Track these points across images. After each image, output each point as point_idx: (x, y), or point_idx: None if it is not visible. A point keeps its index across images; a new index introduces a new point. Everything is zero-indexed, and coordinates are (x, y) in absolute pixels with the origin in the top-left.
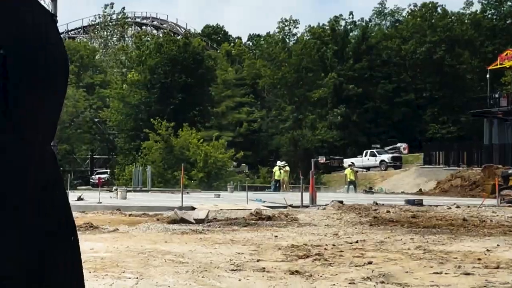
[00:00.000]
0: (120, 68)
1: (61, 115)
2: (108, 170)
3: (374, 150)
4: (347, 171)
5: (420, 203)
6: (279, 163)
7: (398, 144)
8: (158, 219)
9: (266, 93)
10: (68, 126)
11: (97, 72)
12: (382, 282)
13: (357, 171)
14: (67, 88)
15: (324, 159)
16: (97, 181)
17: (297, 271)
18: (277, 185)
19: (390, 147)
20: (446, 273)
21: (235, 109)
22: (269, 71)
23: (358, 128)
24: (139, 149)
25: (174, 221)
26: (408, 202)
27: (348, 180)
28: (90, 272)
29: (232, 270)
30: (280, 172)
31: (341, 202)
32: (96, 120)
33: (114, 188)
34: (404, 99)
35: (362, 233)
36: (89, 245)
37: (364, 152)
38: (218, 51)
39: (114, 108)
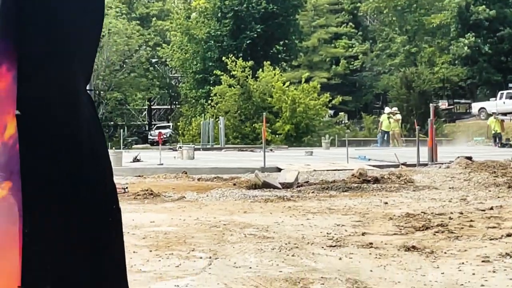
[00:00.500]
0: None
1: (110, 55)
2: (171, 124)
3: None
4: (491, 120)
5: None
6: (387, 110)
7: None
8: (235, 184)
9: (369, 21)
10: (119, 69)
11: (153, 0)
12: None
13: (503, 120)
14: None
15: (446, 103)
16: (156, 137)
17: (414, 247)
18: (385, 138)
19: None
20: None
21: (330, 43)
22: None
23: (490, 63)
24: (209, 97)
25: (255, 186)
26: None
27: (493, 132)
28: (151, 251)
29: (330, 246)
30: (389, 122)
31: (469, 158)
32: (154, 60)
33: (179, 146)
34: None
35: (498, 197)
36: (149, 217)
37: (499, 93)
38: None
39: (176, 44)
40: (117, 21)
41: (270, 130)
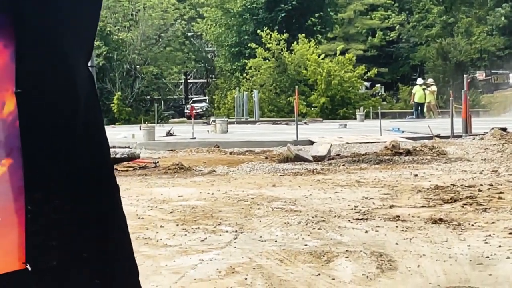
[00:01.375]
0: None
1: (146, 30)
2: (207, 98)
3: None
4: None
5: None
6: (419, 81)
7: None
8: (266, 158)
9: None
10: (155, 43)
11: None
12: None
13: None
14: None
15: (484, 74)
16: (190, 111)
17: (441, 220)
18: (419, 109)
19: None
20: None
21: (366, 14)
22: None
23: None
24: (244, 70)
25: (286, 159)
26: None
27: None
28: (177, 225)
29: (357, 219)
30: (425, 93)
31: (504, 129)
32: (190, 34)
33: (212, 119)
34: None
35: None
36: (177, 191)
37: None
38: None
39: (211, 18)
40: None
41: (305, 103)
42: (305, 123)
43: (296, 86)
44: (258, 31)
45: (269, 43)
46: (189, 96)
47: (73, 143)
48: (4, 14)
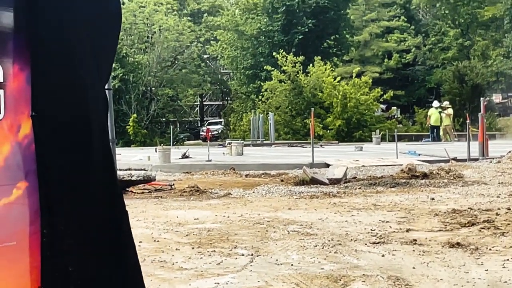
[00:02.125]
0: None
1: (162, 52)
2: (222, 120)
3: None
4: None
5: None
6: (435, 104)
7: None
8: (282, 180)
9: (422, 14)
10: (171, 65)
11: None
12: None
13: None
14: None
15: (500, 97)
16: (205, 133)
17: (458, 244)
18: (436, 132)
19: None
20: None
21: (382, 37)
22: None
23: None
24: (260, 92)
25: (302, 182)
26: None
27: None
28: (193, 248)
29: (374, 243)
30: (441, 116)
31: None
32: (206, 56)
33: (228, 142)
34: None
35: None
36: (193, 214)
37: None
38: None
39: (226, 41)
40: (168, 17)
41: (321, 125)
42: (321, 145)
43: (312, 109)
44: (274, 53)
45: (285, 66)
46: (204, 118)
47: (90, 166)
48: (20, 34)
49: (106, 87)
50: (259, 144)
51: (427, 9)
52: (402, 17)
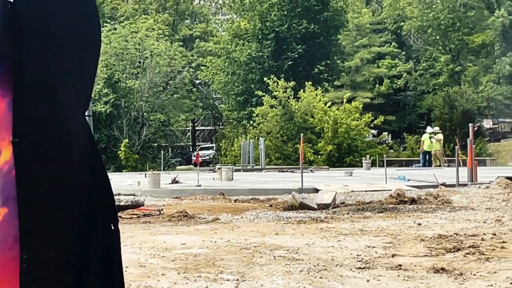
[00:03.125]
0: (226, 14)
1: (153, 77)
2: (214, 145)
3: None
4: None
5: None
6: (429, 129)
7: None
8: (271, 205)
9: (413, 40)
10: (162, 90)
11: (196, 22)
12: None
13: None
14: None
15: (491, 123)
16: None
17: (443, 269)
18: (427, 158)
19: None
20: None
21: (373, 62)
22: (417, 11)
23: None
24: (251, 118)
25: (291, 207)
26: None
27: None
28: (179, 273)
29: (359, 268)
30: (431, 141)
31: (510, 178)
32: (197, 82)
33: (218, 167)
34: None
35: None
36: (180, 239)
37: None
38: None
39: (215, 67)
40: (160, 42)
41: (312, 151)
42: (311, 171)
43: (302, 134)
44: (265, 79)
45: (276, 91)
46: (196, 143)
47: (71, 191)
48: (4, 62)
49: (86, 114)
50: (249, 169)
51: (418, 35)
52: (393, 43)
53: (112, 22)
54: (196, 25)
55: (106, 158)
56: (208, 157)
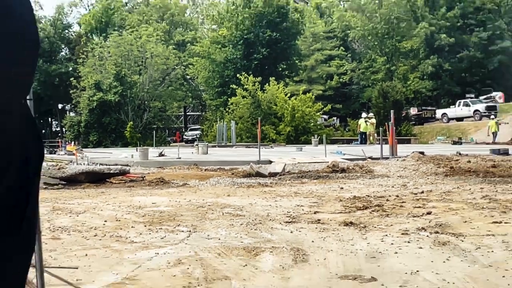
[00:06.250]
0: (210, 25)
1: (153, 73)
2: (201, 127)
3: (468, 100)
4: (492, 122)
5: (506, 152)
6: (364, 115)
7: (493, 93)
8: (232, 173)
9: (357, 45)
10: (160, 83)
11: (188, 30)
12: (436, 232)
13: (499, 123)
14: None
15: (416, 110)
16: (189, 137)
17: (351, 223)
18: (363, 137)
19: (485, 96)
20: (506, 222)
21: (325, 62)
22: (360, 23)
23: (451, 78)
24: (227, 105)
25: (249, 175)
26: (493, 151)
27: (492, 131)
28: (145, 226)
29: (287, 222)
30: (366, 124)
31: (422, 153)
32: (188, 77)
33: (195, 143)
34: (500, 47)
35: (432, 183)
36: (152, 200)
37: (457, 102)
38: (308, 3)
39: (200, 65)
40: (158, 46)
41: (275, 131)
42: (271, 147)
43: (259, 118)
44: (238, 75)
45: (246, 85)
46: (187, 126)
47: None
48: None
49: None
50: (223, 145)
51: (361, 41)
52: (341, 47)
53: (120, 30)
54: (187, 32)
55: (115, 137)
56: (195, 136)
